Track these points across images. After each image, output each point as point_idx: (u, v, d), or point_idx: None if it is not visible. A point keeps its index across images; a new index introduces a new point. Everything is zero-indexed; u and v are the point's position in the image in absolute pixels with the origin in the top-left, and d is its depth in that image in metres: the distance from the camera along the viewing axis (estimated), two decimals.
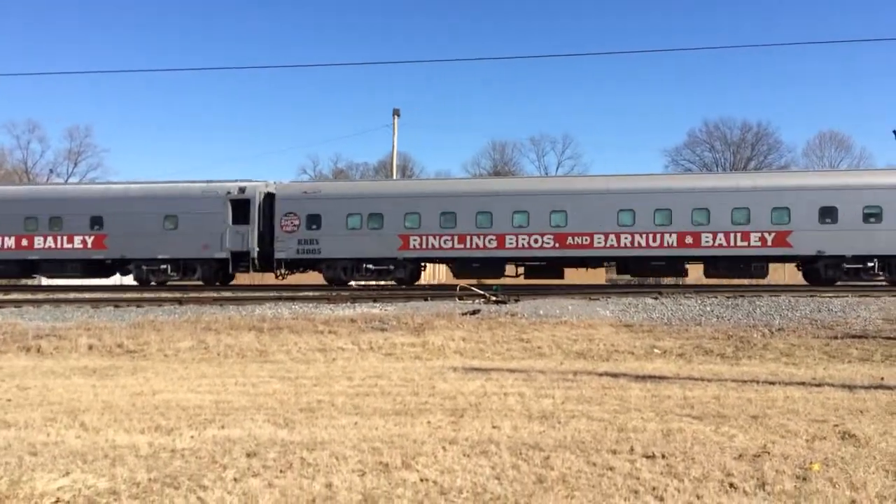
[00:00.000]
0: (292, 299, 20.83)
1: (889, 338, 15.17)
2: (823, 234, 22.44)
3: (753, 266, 23.05)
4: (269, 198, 25.31)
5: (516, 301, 19.64)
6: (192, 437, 7.52)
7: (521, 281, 24.80)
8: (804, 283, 24.12)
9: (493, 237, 23.73)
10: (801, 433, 7.41)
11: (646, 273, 24.99)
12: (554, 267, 24.18)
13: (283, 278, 25.95)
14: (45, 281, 31.65)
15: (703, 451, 6.65)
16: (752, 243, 22.68)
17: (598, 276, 28.03)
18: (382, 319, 17.64)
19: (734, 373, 12.05)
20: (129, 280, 28.22)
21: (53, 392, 10.69)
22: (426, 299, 20.53)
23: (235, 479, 5.94)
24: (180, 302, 20.69)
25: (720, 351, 14.61)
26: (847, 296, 19.32)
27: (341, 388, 10.70)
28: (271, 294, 22.26)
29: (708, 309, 18.20)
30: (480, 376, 11.65)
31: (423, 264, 25.90)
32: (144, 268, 25.33)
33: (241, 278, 28.14)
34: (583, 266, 24.77)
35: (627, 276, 29.23)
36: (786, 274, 31.62)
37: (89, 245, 25.43)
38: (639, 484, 5.73)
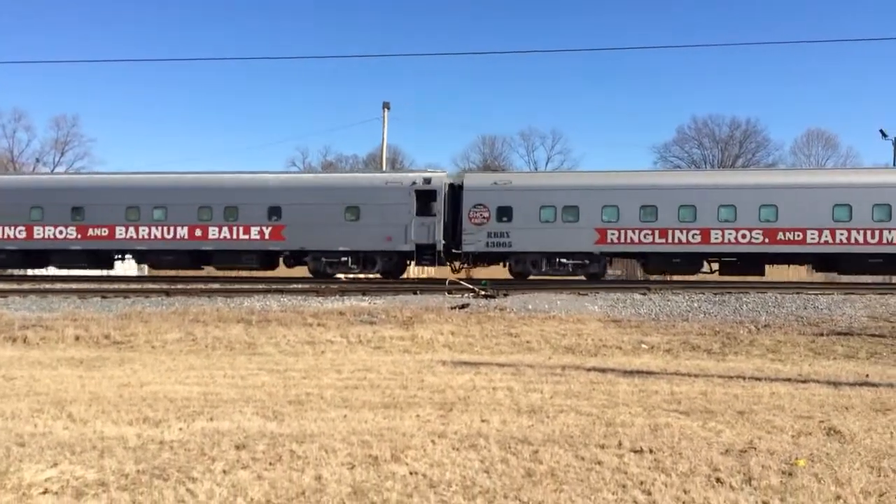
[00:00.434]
0: (281, 292, 20.78)
1: (874, 335, 15.33)
2: None
3: None
4: (452, 189, 24.63)
5: (505, 295, 19.68)
6: (180, 429, 7.50)
7: (509, 275, 24.78)
8: (789, 279, 24.33)
9: (697, 232, 23.05)
10: (786, 429, 7.48)
11: (861, 271, 23.90)
12: (755, 263, 23.47)
13: (466, 272, 25.27)
14: (30, 271, 31.38)
15: (691, 446, 6.70)
16: None
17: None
18: (371, 312, 17.64)
19: (721, 368, 12.14)
20: (116, 272, 28.05)
21: (40, 383, 10.63)
22: (415, 293, 20.54)
23: (224, 472, 5.93)
24: (168, 293, 20.61)
25: (707, 347, 14.71)
26: (833, 293, 19.48)
27: (330, 381, 10.70)
28: (260, 286, 22.18)
29: (695, 305, 18.31)
30: (469, 370, 11.68)
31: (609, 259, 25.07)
32: (324, 260, 24.50)
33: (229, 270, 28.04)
34: (789, 262, 24.27)
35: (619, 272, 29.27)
36: None
37: (266, 236, 24.58)
38: (627, 478, 5.77)
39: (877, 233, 22.49)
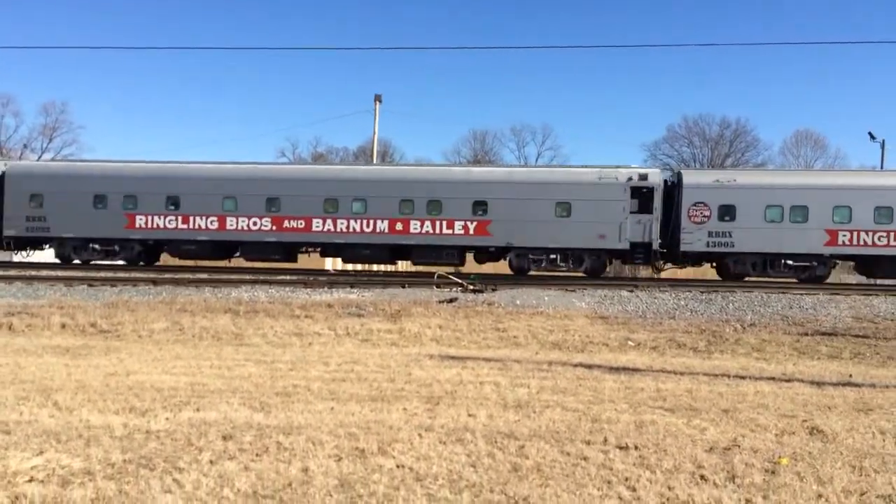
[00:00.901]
0: (269, 283, 20.74)
1: (858, 335, 15.48)
2: None
3: None
4: (665, 185, 23.73)
5: (493, 290, 19.73)
6: (167, 418, 7.49)
7: (498, 270, 24.82)
8: (773, 280, 24.41)
9: None
10: (770, 427, 7.55)
11: None
12: None
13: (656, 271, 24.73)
14: (16, 257, 31.09)
15: (675, 444, 6.76)
16: None
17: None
18: (359, 305, 17.63)
19: (706, 367, 12.23)
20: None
21: (25, 370, 10.58)
22: (403, 286, 20.55)
23: (211, 462, 5.94)
24: (155, 283, 20.52)
25: (693, 345, 14.80)
26: (818, 293, 19.64)
27: (317, 373, 10.70)
28: (247, 277, 22.12)
29: (682, 303, 18.41)
30: (456, 364, 11.71)
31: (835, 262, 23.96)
32: (530, 256, 23.67)
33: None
34: None
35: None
36: None
37: (471, 231, 23.70)
38: (612, 474, 5.82)
39: None
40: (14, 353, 12.39)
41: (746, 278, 23.39)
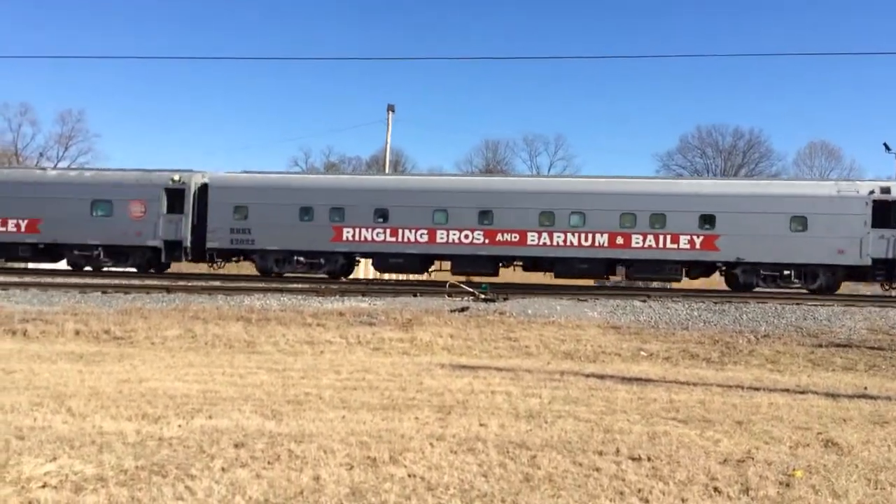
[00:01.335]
0: (281, 291, 20.77)
1: (873, 347, 15.33)
2: None
3: None
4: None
5: (505, 300, 19.69)
6: (179, 425, 7.52)
7: (510, 279, 24.76)
8: (790, 290, 24.21)
9: None
10: (784, 440, 7.49)
11: None
12: None
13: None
14: (31, 264, 31.31)
15: (688, 455, 6.71)
16: None
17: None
18: (371, 314, 17.65)
19: (720, 378, 12.15)
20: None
21: (40, 376, 10.65)
22: (415, 295, 20.55)
23: (223, 469, 5.95)
24: (168, 290, 20.62)
25: (706, 356, 14.72)
26: (833, 305, 19.48)
27: (329, 382, 10.71)
28: (260, 285, 22.20)
29: (695, 314, 18.31)
30: (468, 374, 11.69)
31: None
32: (761, 272, 22.81)
33: (229, 268, 27.96)
34: None
35: (617, 279, 29.11)
36: None
37: (697, 246, 22.94)
38: (624, 485, 5.78)
39: None
40: (28, 360, 12.48)
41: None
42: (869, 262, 22.41)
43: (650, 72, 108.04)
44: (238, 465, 6.07)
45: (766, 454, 6.86)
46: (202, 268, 27.11)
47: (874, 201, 22.55)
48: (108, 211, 24.97)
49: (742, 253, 22.84)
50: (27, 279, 23.04)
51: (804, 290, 22.81)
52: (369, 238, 24.13)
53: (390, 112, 41.86)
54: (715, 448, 7.06)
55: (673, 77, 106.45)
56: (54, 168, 26.47)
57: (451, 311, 18.16)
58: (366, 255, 25.08)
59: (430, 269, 25.11)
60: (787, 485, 5.89)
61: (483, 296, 20.09)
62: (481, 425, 7.83)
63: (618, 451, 6.80)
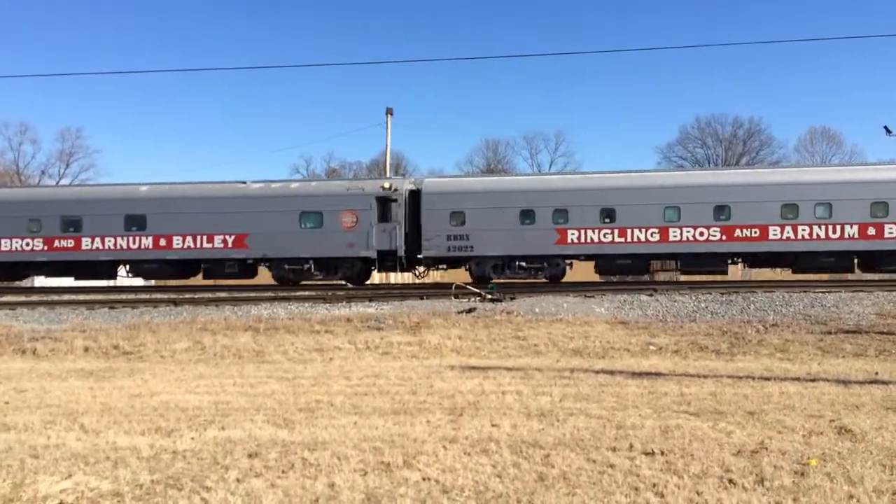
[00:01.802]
0: (288, 299, 20.82)
1: (882, 332, 15.29)
2: None
3: None
4: None
5: (512, 299, 19.69)
6: (192, 438, 7.54)
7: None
8: (797, 279, 24.16)
9: None
10: (797, 428, 7.48)
11: None
12: None
13: None
14: (38, 282, 31.41)
15: (702, 448, 6.71)
16: None
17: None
18: (378, 318, 17.67)
19: (729, 369, 12.13)
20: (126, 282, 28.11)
21: (51, 394, 10.68)
22: (422, 298, 20.57)
23: (238, 480, 5.97)
24: (175, 303, 20.67)
25: (715, 347, 14.69)
26: (840, 291, 19.44)
27: (339, 388, 10.73)
28: (267, 294, 22.23)
29: (702, 305, 18.29)
30: (478, 374, 11.70)
31: None
32: None
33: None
34: None
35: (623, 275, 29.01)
36: None
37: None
38: (639, 481, 5.79)
39: None
40: (39, 378, 12.52)
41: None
42: None
43: (647, 64, 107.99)
44: (252, 476, 6.08)
45: (780, 444, 6.85)
46: (204, 279, 27.21)
47: None
48: (317, 223, 24.50)
49: None
50: (34, 298, 23.12)
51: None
52: (595, 239, 23.51)
53: (389, 115, 41.92)
54: (728, 440, 7.05)
55: (670, 69, 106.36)
56: (256, 181, 25.99)
57: (459, 312, 18.17)
58: (590, 258, 24.30)
59: (650, 270, 24.34)
60: (802, 474, 5.88)
61: (490, 296, 20.10)
62: (493, 426, 7.84)
63: (631, 446, 6.80)
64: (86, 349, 16.11)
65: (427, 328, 16.69)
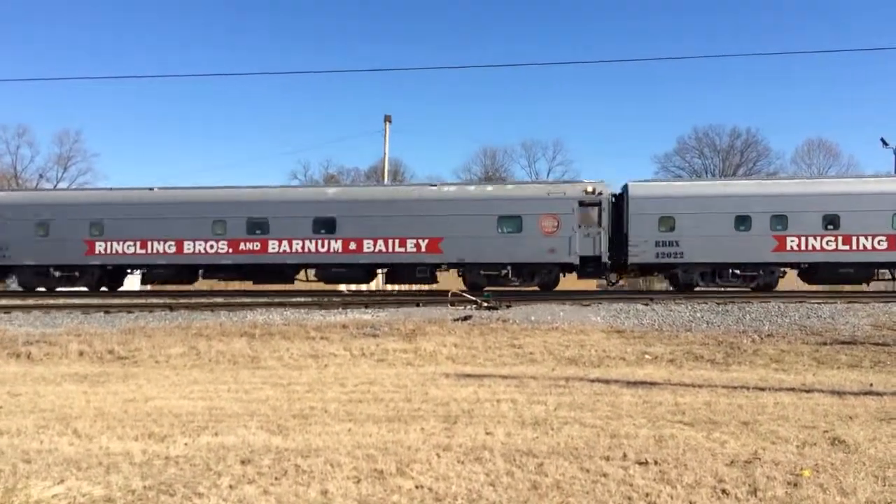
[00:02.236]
0: (283, 305, 20.81)
1: (878, 344, 15.32)
2: None
3: None
4: None
5: (508, 307, 19.70)
6: (185, 444, 7.53)
7: (513, 287, 24.74)
8: (793, 289, 24.19)
9: None
10: (791, 439, 7.49)
11: None
12: None
13: None
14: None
15: (695, 458, 6.72)
16: None
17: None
18: (374, 325, 17.67)
19: (724, 379, 12.15)
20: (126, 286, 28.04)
21: (45, 399, 10.66)
22: (417, 305, 20.57)
23: (231, 487, 5.96)
24: (171, 308, 20.65)
25: (710, 357, 14.71)
26: (836, 302, 19.48)
27: (334, 395, 10.72)
28: (262, 300, 22.22)
29: (698, 315, 18.31)
30: (473, 382, 11.70)
31: None
32: None
33: (234, 283, 27.97)
34: None
35: (621, 283, 29.00)
36: None
37: None
38: (632, 490, 5.79)
39: None
40: (33, 382, 12.49)
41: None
42: None
43: (647, 73, 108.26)
44: (245, 482, 6.08)
45: (774, 454, 6.86)
46: (204, 283, 27.17)
47: None
48: (516, 227, 23.91)
49: None
50: (29, 301, 23.06)
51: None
52: (818, 247, 22.77)
53: (387, 122, 42.09)
54: (722, 450, 7.06)
55: (668, 78, 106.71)
56: (447, 184, 25.74)
57: (455, 320, 18.18)
58: (812, 266, 23.45)
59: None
60: (795, 484, 5.89)
61: (486, 304, 20.11)
62: (487, 434, 7.84)
63: (625, 455, 6.80)
64: (80, 353, 16.07)
65: (423, 335, 16.69)
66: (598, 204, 23.83)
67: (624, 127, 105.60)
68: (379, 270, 26.48)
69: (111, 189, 28.68)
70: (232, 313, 19.62)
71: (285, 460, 6.72)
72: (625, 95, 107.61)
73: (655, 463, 6.52)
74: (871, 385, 11.40)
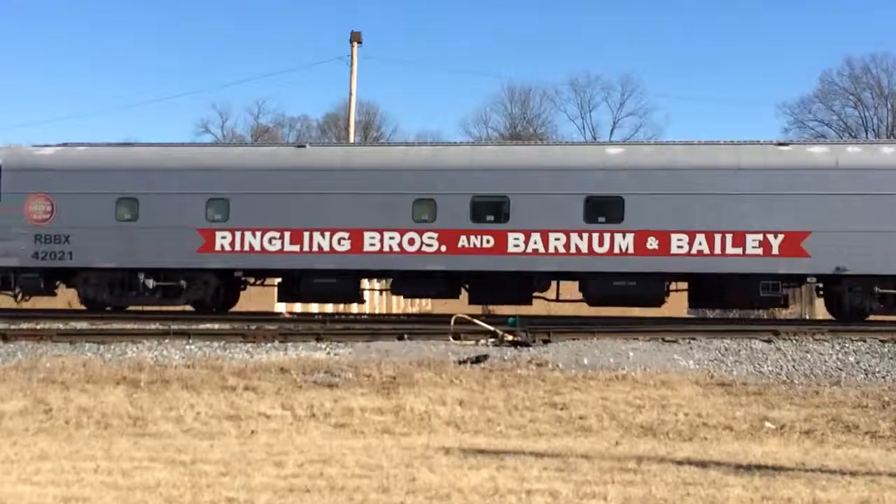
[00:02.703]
0: (186, 334, 20.76)
1: None
2: None
3: None
4: None
5: (545, 342, 19.68)
6: None
7: (555, 309, 24.71)
8: None
9: None
10: None
11: None
12: None
13: None
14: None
15: None
16: None
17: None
18: (331, 369, 17.66)
19: (892, 463, 12.14)
20: None
21: None
22: (401, 337, 20.49)
23: None
24: (4, 337, 20.59)
25: (870, 427, 14.69)
26: None
27: (266, 481, 10.71)
28: (152, 327, 22.16)
29: (851, 360, 18.30)
30: (489, 463, 11.70)
31: None
32: None
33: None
34: None
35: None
36: None
37: None
38: None
39: None
40: None
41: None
42: None
43: None
44: None
45: None
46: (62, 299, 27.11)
47: None
48: None
49: None
50: None
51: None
52: None
53: (355, 44, 41.59)
54: None
55: None
56: (782, 142, 25.45)
57: (461, 362, 18.15)
58: None
59: None
60: None
61: (510, 337, 20.03)
62: None
63: None
64: None
65: (408, 386, 16.67)
66: None
67: (733, 59, 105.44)
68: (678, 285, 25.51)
69: (240, 146, 28.09)
70: (104, 347, 19.60)
71: None
72: (735, 13, 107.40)
73: None
74: None
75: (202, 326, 22.19)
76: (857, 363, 18.13)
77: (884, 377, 17.36)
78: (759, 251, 23.33)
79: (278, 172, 25.09)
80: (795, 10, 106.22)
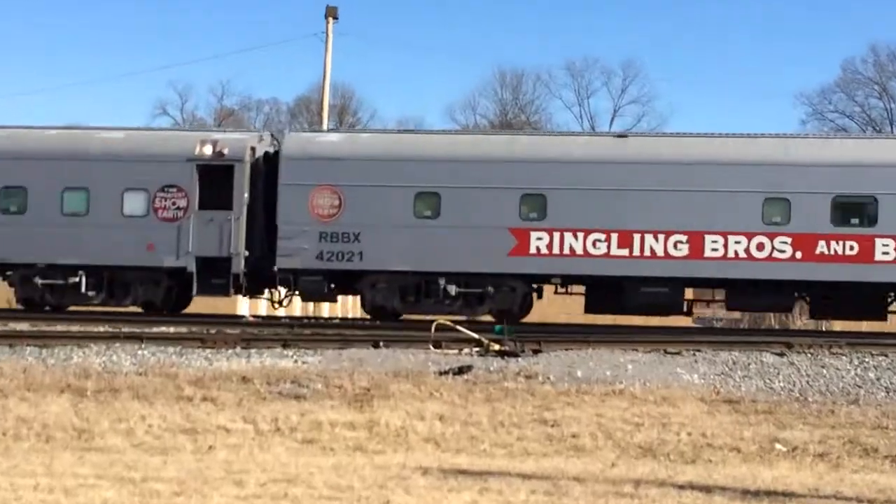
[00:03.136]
0: (138, 338, 20.71)
1: None
2: None
3: None
4: None
5: (535, 352, 19.69)
6: None
7: (548, 316, 24.72)
8: None
9: None
10: None
11: None
12: None
13: None
14: None
15: None
16: None
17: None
18: (298, 379, 17.65)
19: None
20: None
21: None
22: (376, 345, 20.48)
23: None
24: None
25: (890, 451, 14.75)
26: None
27: (224, 502, 10.70)
28: (99, 329, 22.09)
29: (871, 375, 18.36)
30: (471, 484, 11.70)
31: None
32: None
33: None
34: None
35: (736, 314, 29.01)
36: None
37: None
38: None
39: None
40: None
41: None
42: None
43: None
44: None
45: None
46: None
47: None
48: None
49: None
50: None
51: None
52: None
53: (330, 20, 41.60)
54: None
55: None
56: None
57: (442, 372, 18.16)
58: None
59: None
60: None
61: (497, 346, 20.03)
62: None
63: None
64: None
65: (384, 399, 16.68)
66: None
67: (746, 46, 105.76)
68: None
69: (553, 134, 27.51)
70: (46, 351, 19.54)
71: None
72: None
73: None
74: None
75: (155, 330, 22.13)
76: (878, 380, 18.19)
77: None
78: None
79: (599, 166, 24.43)
80: (819, 5, 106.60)
